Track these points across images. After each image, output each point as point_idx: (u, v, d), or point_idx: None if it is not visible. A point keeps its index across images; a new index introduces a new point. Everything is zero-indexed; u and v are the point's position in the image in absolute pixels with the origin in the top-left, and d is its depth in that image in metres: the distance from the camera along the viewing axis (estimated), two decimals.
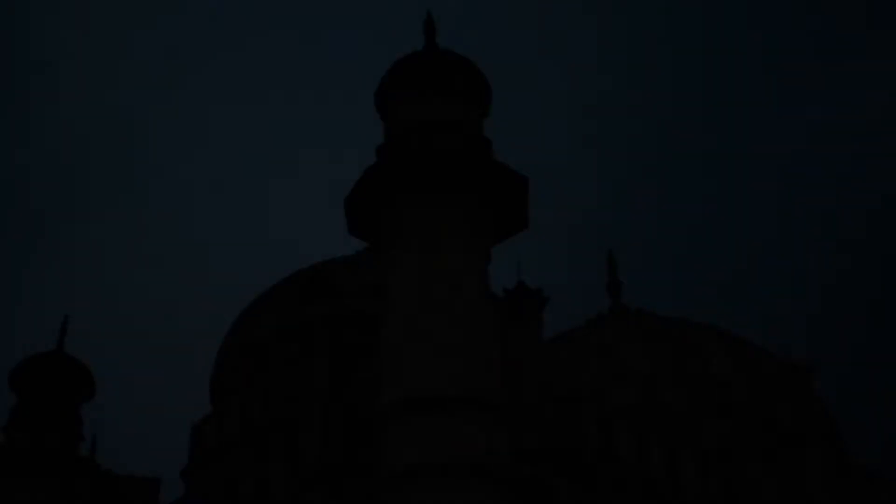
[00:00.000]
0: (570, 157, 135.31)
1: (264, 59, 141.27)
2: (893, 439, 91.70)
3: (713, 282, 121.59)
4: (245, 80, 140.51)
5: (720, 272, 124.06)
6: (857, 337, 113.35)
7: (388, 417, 22.53)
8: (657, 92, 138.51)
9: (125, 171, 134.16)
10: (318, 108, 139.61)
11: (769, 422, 39.84)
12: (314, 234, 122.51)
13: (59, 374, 32.93)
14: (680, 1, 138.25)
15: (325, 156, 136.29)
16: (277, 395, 33.63)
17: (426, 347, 23.00)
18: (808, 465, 37.06)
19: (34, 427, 31.92)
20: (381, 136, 27.80)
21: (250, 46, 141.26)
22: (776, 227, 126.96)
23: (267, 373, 37.31)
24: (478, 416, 22.16)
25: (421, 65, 27.53)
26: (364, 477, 28.76)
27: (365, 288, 38.30)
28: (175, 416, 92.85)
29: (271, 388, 34.12)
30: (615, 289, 51.56)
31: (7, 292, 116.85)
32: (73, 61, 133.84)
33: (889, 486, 39.60)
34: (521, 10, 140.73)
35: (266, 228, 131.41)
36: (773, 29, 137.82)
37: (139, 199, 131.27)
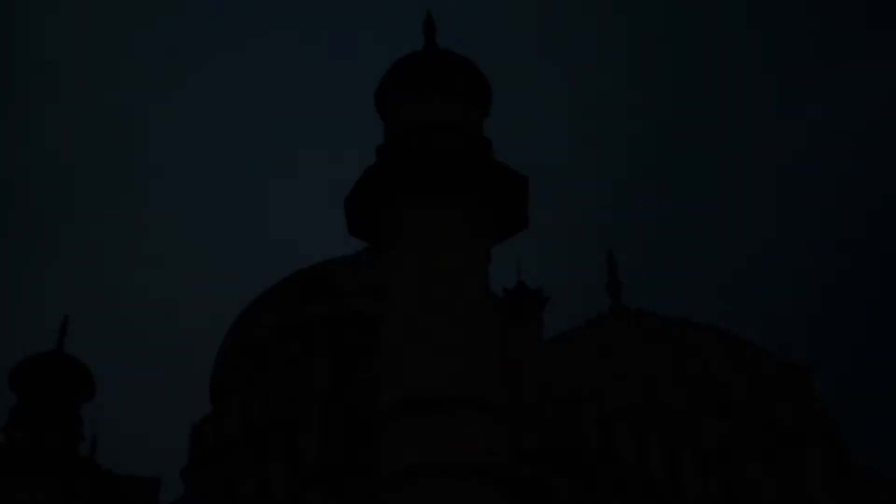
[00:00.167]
0: (570, 157, 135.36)
1: (264, 59, 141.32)
2: (893, 439, 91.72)
3: (713, 282, 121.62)
4: (245, 80, 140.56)
5: (720, 272, 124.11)
6: (857, 337, 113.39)
7: (388, 417, 22.54)
8: (657, 92, 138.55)
9: (125, 171, 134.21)
10: (318, 108, 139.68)
11: (769, 422, 39.84)
12: (314, 234, 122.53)
13: (59, 374, 32.93)
14: (680, 1, 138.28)
15: (325, 156, 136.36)
16: (277, 395, 33.63)
17: (426, 347, 23.00)
18: (808, 465, 37.06)
19: (34, 427, 31.91)
20: (381, 136, 27.80)
21: (250, 46, 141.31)
22: (776, 227, 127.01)
23: (267, 373, 37.31)
24: (478, 416, 22.16)
25: (421, 65, 27.52)
26: (364, 477, 28.76)
27: (365, 288, 38.30)
28: (175, 416, 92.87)
29: (271, 388, 34.12)
30: (615, 289, 51.57)
31: (7, 292, 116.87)
32: (73, 61, 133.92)
33: (889, 486, 39.60)
34: (521, 10, 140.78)
35: (266, 228, 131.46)
36: (773, 29, 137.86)
37: (139, 199, 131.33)
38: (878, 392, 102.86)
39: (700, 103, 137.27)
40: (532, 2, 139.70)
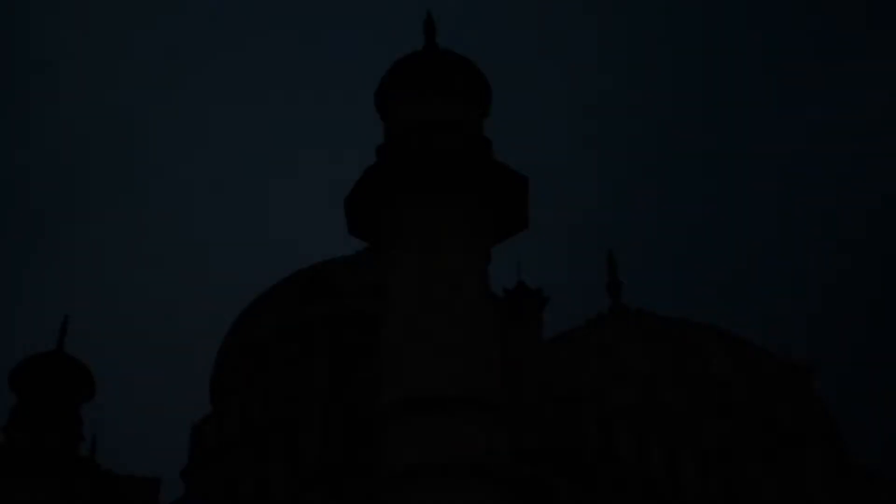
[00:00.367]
0: (570, 157, 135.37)
1: (264, 59, 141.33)
2: (893, 439, 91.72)
3: (713, 282, 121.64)
4: (245, 80, 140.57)
5: (720, 272, 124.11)
6: (857, 337, 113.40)
7: (388, 417, 22.53)
8: (657, 92, 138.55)
9: (125, 171, 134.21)
10: (319, 108, 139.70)
11: (769, 422, 39.84)
12: (314, 234, 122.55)
13: (59, 374, 32.93)
14: (680, 1, 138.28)
15: (326, 156, 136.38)
16: (277, 395, 33.63)
17: (426, 347, 23.00)
18: (808, 465, 37.06)
19: (34, 427, 31.91)
20: (382, 136, 27.79)
21: (250, 46, 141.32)
22: (776, 227, 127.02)
23: (267, 373, 37.31)
24: (478, 416, 22.15)
25: (421, 65, 27.52)
26: (364, 477, 28.76)
27: (365, 288, 38.29)
28: (175, 416, 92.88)
29: (271, 388, 34.12)
30: (615, 289, 51.58)
31: (7, 292, 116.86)
32: (73, 61, 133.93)
33: (889, 486, 39.60)
34: (521, 10, 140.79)
35: (266, 228, 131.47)
36: (773, 29, 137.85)
37: (139, 199, 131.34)
38: (878, 392, 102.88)
39: (700, 103, 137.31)
40: (532, 2, 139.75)
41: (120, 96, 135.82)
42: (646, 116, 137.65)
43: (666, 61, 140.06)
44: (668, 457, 33.98)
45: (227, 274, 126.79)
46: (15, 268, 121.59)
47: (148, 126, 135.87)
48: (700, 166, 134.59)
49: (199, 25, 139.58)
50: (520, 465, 28.53)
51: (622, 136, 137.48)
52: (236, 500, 32.53)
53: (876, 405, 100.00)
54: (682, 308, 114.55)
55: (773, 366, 42.78)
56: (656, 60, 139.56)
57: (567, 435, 31.21)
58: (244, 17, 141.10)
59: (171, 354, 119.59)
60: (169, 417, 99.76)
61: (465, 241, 25.06)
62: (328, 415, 30.96)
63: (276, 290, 40.49)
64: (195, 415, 40.11)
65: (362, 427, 30.04)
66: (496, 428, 22.36)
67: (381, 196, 25.87)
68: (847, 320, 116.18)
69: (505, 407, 23.08)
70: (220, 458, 34.11)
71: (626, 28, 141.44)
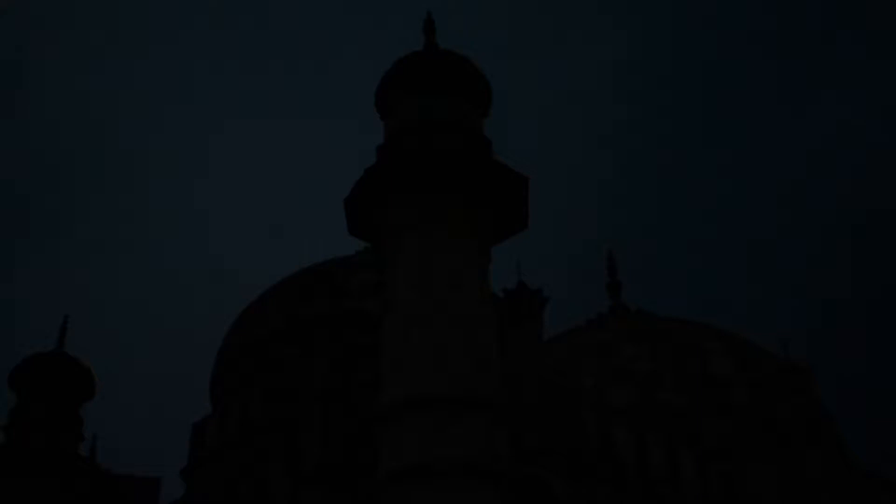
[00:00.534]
0: (572, 157, 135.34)
1: (264, 59, 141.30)
2: (893, 439, 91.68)
3: (713, 282, 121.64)
4: (245, 81, 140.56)
5: (720, 272, 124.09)
6: (857, 337, 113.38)
7: (388, 417, 22.52)
8: (657, 91, 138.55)
9: (125, 170, 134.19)
10: (319, 108, 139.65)
11: (769, 422, 39.83)
12: (315, 233, 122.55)
13: (59, 374, 32.94)
14: (680, 1, 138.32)
15: (326, 155, 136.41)
16: (277, 395, 33.61)
17: (426, 347, 22.99)
18: (808, 465, 37.04)
19: (34, 427, 31.91)
20: (382, 137, 27.80)
21: (251, 49, 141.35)
22: (776, 227, 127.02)
23: (267, 372, 37.29)
24: (478, 416, 22.14)
25: (421, 65, 27.51)
26: (364, 477, 28.75)
27: (365, 288, 38.27)
28: (175, 416, 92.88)
29: (271, 388, 34.10)
30: (615, 289, 51.56)
31: (7, 292, 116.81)
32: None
33: (889, 486, 39.58)
34: (521, 10, 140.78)
35: (266, 228, 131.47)
36: (773, 29, 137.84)
37: (139, 198, 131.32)
38: (878, 392, 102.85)
39: (700, 103, 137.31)
40: (532, 2, 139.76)
41: (120, 96, 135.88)
42: (646, 116, 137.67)
43: (666, 58, 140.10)
44: (667, 457, 33.96)
45: (227, 273, 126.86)
46: (14, 268, 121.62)
47: (148, 125, 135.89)
48: (700, 166, 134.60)
49: (200, 26, 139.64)
50: (520, 465, 28.52)
51: (622, 136, 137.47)
52: (236, 500, 32.52)
53: (876, 405, 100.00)
54: (682, 308, 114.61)
55: (773, 366, 42.76)
56: (656, 60, 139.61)
57: (567, 435, 31.20)
58: (244, 17, 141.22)
59: (171, 355, 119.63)
60: (169, 417, 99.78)
61: (465, 241, 25.04)
62: (328, 415, 30.95)
63: (277, 289, 40.47)
64: (195, 415, 40.15)
65: (362, 427, 30.03)
66: (496, 428, 22.36)
67: (381, 196, 25.86)
68: (847, 320, 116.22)
69: (505, 407, 23.07)
70: (220, 458, 34.09)
71: (626, 25, 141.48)
